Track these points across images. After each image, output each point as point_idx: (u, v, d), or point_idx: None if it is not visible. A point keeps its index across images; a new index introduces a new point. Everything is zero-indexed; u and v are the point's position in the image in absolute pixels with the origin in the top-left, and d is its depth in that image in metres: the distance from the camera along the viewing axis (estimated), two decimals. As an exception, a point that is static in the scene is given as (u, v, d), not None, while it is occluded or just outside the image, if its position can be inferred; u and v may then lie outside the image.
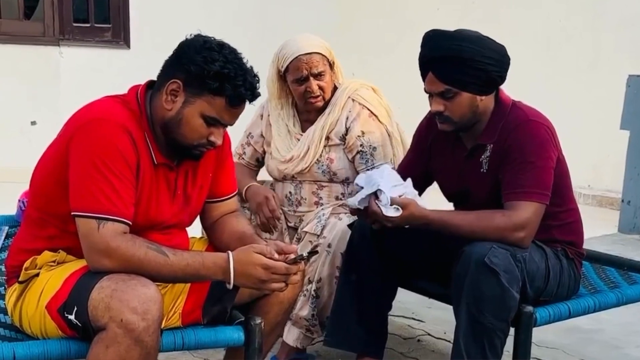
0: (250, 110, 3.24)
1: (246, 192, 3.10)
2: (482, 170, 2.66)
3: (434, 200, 3.19)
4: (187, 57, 2.14)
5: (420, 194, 2.71)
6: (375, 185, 2.57)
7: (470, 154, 2.70)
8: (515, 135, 2.59)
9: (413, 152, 2.93)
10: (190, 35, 2.23)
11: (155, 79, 2.27)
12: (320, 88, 3.07)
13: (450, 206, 2.90)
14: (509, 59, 2.62)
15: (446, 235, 2.59)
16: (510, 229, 2.51)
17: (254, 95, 2.20)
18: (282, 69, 3.09)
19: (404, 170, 2.86)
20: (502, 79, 2.63)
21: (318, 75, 3.05)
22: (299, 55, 3.03)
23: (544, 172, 2.57)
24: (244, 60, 2.20)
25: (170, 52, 2.24)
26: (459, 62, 2.54)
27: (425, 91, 2.65)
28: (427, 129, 2.86)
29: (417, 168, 2.86)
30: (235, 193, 2.53)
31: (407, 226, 2.60)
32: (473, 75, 2.55)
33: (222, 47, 2.16)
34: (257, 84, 2.21)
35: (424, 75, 2.63)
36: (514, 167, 2.57)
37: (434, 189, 2.95)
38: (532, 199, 2.53)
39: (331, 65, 3.11)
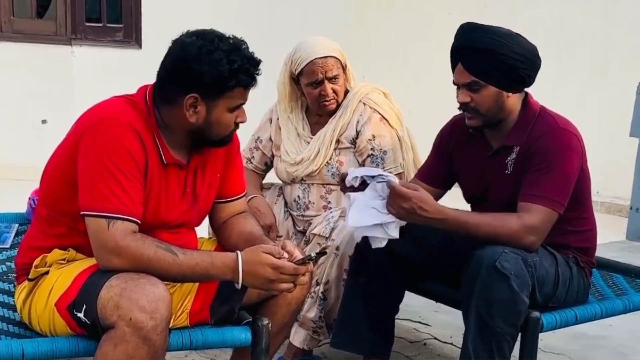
0: (258, 114, 3.27)
1: (248, 204, 3.10)
2: (506, 171, 2.66)
3: (446, 202, 3.19)
4: (194, 72, 2.13)
5: (440, 197, 2.77)
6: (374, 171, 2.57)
7: (495, 153, 2.70)
8: (543, 141, 2.59)
9: (435, 154, 2.93)
10: (171, 45, 2.21)
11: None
12: (334, 91, 3.08)
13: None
14: (540, 61, 2.63)
15: (457, 236, 2.58)
16: (522, 231, 2.50)
17: (257, 66, 2.21)
18: (296, 72, 3.10)
19: (426, 172, 2.90)
20: (531, 78, 2.63)
21: (332, 79, 3.06)
22: (314, 59, 3.04)
23: (565, 181, 2.57)
24: (227, 36, 2.21)
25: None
26: (488, 54, 2.54)
27: (454, 83, 2.66)
28: (450, 132, 2.87)
29: (439, 169, 2.88)
30: (243, 194, 2.54)
31: (417, 221, 2.54)
32: (500, 70, 2.56)
33: (212, 42, 2.16)
34: (252, 53, 2.22)
35: (453, 66, 2.65)
36: (536, 170, 2.57)
37: (447, 195, 2.96)
38: (547, 205, 2.53)
39: (344, 69, 3.12)
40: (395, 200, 2.48)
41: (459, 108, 2.68)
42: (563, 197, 2.56)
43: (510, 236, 2.50)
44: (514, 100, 2.64)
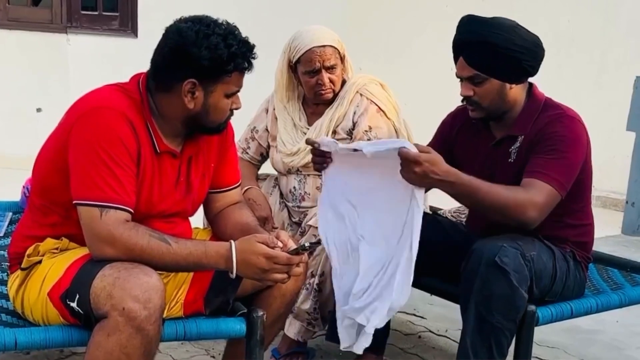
0: (254, 105, 3.26)
1: (243, 195, 3.08)
2: (509, 160, 2.65)
3: (437, 198, 3.19)
4: (193, 56, 2.12)
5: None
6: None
7: (498, 143, 2.69)
8: (552, 127, 2.58)
9: (436, 140, 2.92)
10: (166, 31, 2.20)
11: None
12: (331, 81, 3.07)
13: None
14: (543, 51, 2.61)
15: (463, 201, 2.54)
16: (527, 205, 2.45)
17: (252, 50, 2.21)
18: (294, 60, 3.09)
19: None
20: (534, 69, 2.61)
21: (330, 68, 3.05)
22: (313, 47, 3.02)
23: (571, 166, 2.55)
24: (220, 21, 2.20)
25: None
26: (489, 48, 2.53)
27: (456, 75, 2.65)
28: (453, 120, 2.87)
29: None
30: (238, 184, 2.53)
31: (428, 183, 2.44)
32: (502, 63, 2.55)
33: (208, 26, 2.16)
34: (247, 37, 2.21)
35: (456, 60, 2.64)
36: (543, 152, 2.54)
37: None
38: (551, 183, 2.49)
39: (342, 59, 3.10)
40: (407, 165, 2.36)
41: (462, 101, 2.67)
42: (567, 181, 2.53)
43: (515, 207, 2.45)
44: (517, 91, 2.63)
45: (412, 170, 2.35)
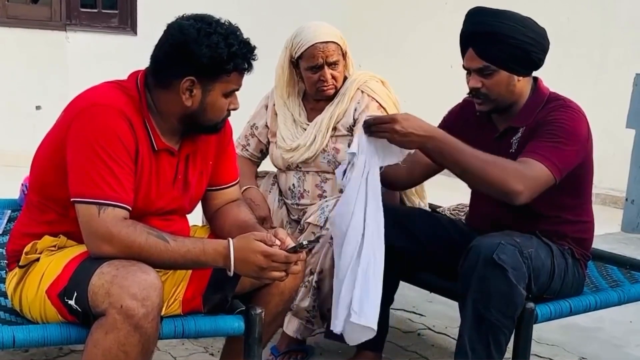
0: (254, 102, 3.25)
1: (242, 195, 3.08)
2: (511, 150, 2.64)
3: (436, 195, 3.19)
4: (193, 53, 2.12)
5: (436, 171, 2.77)
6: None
7: (501, 135, 2.69)
8: (554, 115, 2.57)
9: (440, 127, 2.91)
10: (167, 28, 2.20)
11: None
12: (333, 77, 3.07)
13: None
14: (549, 43, 2.62)
15: (449, 165, 2.48)
16: (514, 175, 2.42)
17: (253, 52, 2.22)
18: (296, 56, 3.08)
19: None
20: (541, 61, 2.62)
21: (332, 65, 3.04)
22: (316, 43, 3.02)
23: (568, 152, 2.52)
24: (222, 21, 2.20)
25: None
26: (499, 38, 2.53)
27: (464, 67, 2.64)
28: (460, 111, 2.86)
29: None
30: (236, 181, 2.53)
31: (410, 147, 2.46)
32: (511, 53, 2.54)
33: (210, 24, 2.16)
34: (248, 38, 2.22)
35: (463, 52, 2.63)
36: (541, 136, 2.53)
37: (446, 186, 2.94)
38: (545, 163, 2.46)
39: (344, 55, 3.10)
40: (386, 129, 2.38)
41: (469, 94, 2.66)
42: (562, 164, 2.50)
43: (500, 176, 2.42)
44: (524, 84, 2.63)
45: (392, 130, 2.37)
